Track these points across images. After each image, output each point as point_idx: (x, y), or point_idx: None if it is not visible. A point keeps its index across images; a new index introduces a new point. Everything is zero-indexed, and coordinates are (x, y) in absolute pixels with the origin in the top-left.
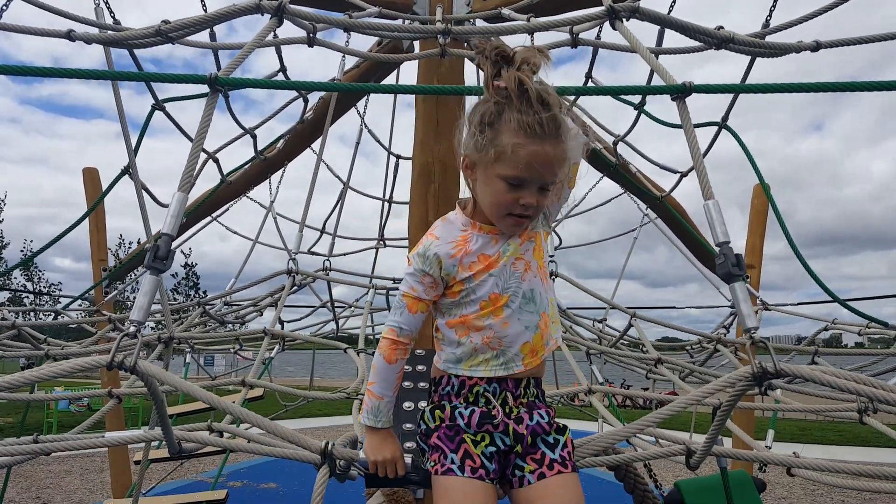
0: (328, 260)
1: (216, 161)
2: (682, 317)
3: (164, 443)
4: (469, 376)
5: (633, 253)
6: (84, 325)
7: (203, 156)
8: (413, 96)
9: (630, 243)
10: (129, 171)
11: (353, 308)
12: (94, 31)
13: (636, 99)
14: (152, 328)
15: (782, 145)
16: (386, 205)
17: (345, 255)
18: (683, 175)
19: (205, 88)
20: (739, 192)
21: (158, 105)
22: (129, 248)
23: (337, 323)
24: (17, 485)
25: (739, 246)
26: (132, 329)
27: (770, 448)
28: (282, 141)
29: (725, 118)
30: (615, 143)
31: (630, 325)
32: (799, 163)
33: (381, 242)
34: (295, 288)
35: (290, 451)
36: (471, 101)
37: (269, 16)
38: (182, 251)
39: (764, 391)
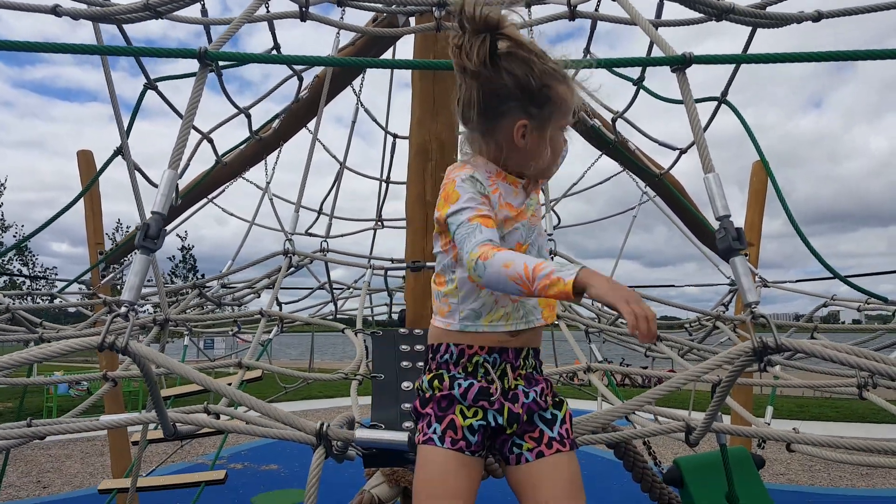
0: (325, 241)
1: (210, 141)
2: (680, 295)
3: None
4: (469, 345)
5: (632, 233)
6: (81, 309)
7: (196, 136)
8: (409, 75)
9: (629, 222)
10: (121, 151)
11: (351, 289)
12: (82, 6)
13: (635, 74)
14: (149, 312)
15: (782, 121)
16: (383, 185)
17: (342, 236)
18: (682, 152)
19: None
20: (738, 170)
21: (150, 84)
22: (127, 231)
23: (335, 304)
24: (17, 469)
25: (738, 223)
26: (124, 310)
27: (769, 424)
28: (277, 121)
29: (725, 92)
30: (614, 120)
31: None
32: (798, 139)
33: (379, 223)
34: (292, 269)
35: (285, 433)
36: None
37: None
38: (178, 234)
39: (763, 367)
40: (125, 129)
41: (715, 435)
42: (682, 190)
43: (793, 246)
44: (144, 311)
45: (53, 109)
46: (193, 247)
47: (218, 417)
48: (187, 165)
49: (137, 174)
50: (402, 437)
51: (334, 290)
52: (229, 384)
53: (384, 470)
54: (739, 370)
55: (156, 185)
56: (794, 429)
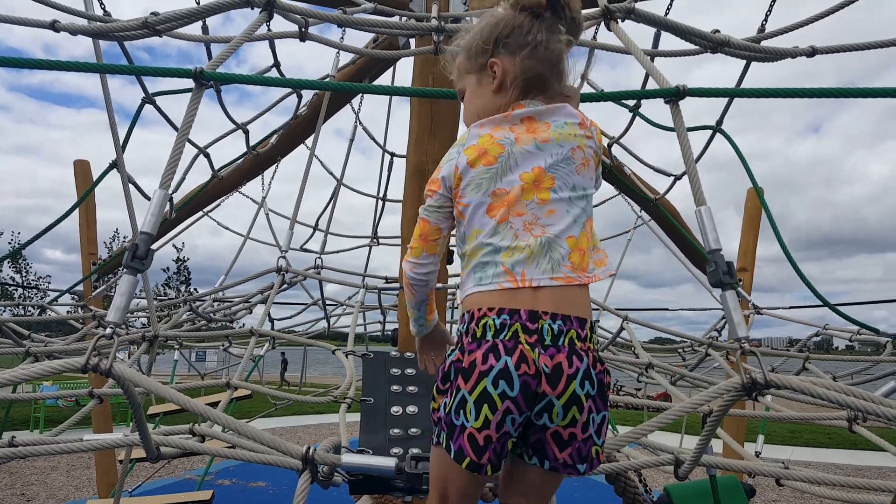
0: (320, 257)
1: (207, 156)
2: (675, 318)
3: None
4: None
5: (629, 253)
6: (71, 321)
7: (193, 151)
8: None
9: (625, 244)
10: (116, 165)
11: (344, 306)
12: (81, 21)
13: (631, 101)
14: (142, 325)
15: (781, 147)
16: (380, 203)
17: (337, 252)
18: (677, 178)
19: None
20: (736, 194)
21: (148, 98)
22: (124, 241)
23: (328, 321)
24: (0, 481)
25: (733, 248)
26: (108, 331)
27: (760, 452)
28: (275, 136)
29: (720, 122)
30: (610, 145)
31: (622, 328)
32: (796, 164)
33: (375, 240)
34: (285, 286)
35: (270, 458)
36: None
37: (259, 9)
38: (174, 245)
39: (755, 398)
40: (121, 143)
41: (705, 469)
42: (677, 215)
43: (788, 270)
44: (136, 323)
45: (50, 115)
46: (188, 259)
47: (203, 440)
48: (183, 179)
49: (132, 188)
50: (389, 462)
51: (327, 307)
52: (217, 402)
53: (371, 496)
54: (729, 405)
55: (146, 196)
56: (783, 463)
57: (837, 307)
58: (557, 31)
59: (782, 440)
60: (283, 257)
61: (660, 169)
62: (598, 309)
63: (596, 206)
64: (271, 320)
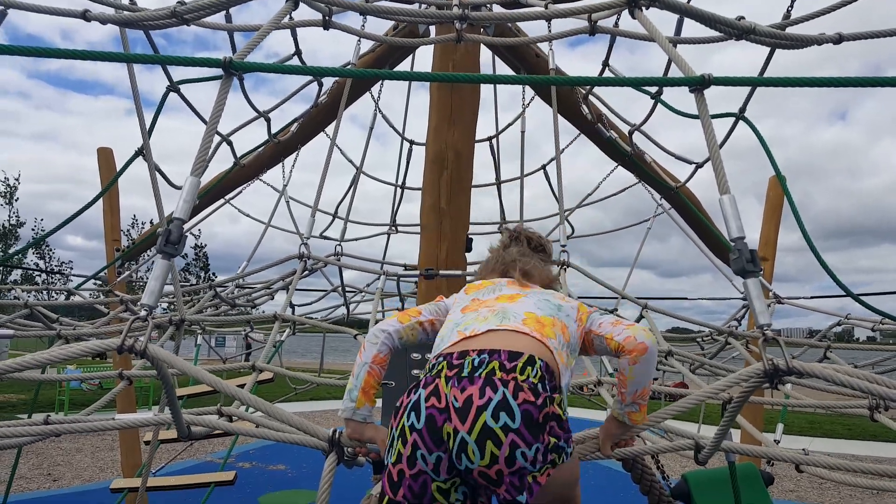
0: (340, 245)
1: (230, 144)
2: (694, 307)
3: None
4: None
5: (647, 242)
6: (96, 306)
7: (217, 138)
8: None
9: (643, 233)
10: (142, 152)
11: (363, 293)
12: (110, 11)
13: (653, 87)
14: (164, 310)
15: (803, 134)
16: (398, 190)
17: (356, 240)
18: (699, 166)
19: (219, 71)
20: (757, 182)
21: (173, 87)
22: (143, 228)
23: (347, 308)
24: (28, 461)
25: (754, 238)
26: (143, 313)
27: (779, 442)
28: (295, 125)
29: (743, 109)
30: (631, 133)
31: (641, 317)
32: (819, 151)
33: (393, 228)
34: (306, 273)
35: (298, 437)
36: (486, 88)
37: None
38: (192, 233)
39: (775, 385)
40: (147, 129)
41: (724, 455)
42: (698, 203)
43: (810, 259)
44: (160, 309)
45: (68, 102)
46: (206, 245)
47: (231, 420)
48: (206, 167)
49: (157, 175)
50: None
51: (347, 294)
52: (242, 385)
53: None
54: (750, 392)
55: (175, 186)
56: (803, 449)
57: (860, 296)
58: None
59: (800, 431)
60: (305, 244)
61: (681, 157)
62: (616, 297)
63: (615, 194)
64: (292, 307)
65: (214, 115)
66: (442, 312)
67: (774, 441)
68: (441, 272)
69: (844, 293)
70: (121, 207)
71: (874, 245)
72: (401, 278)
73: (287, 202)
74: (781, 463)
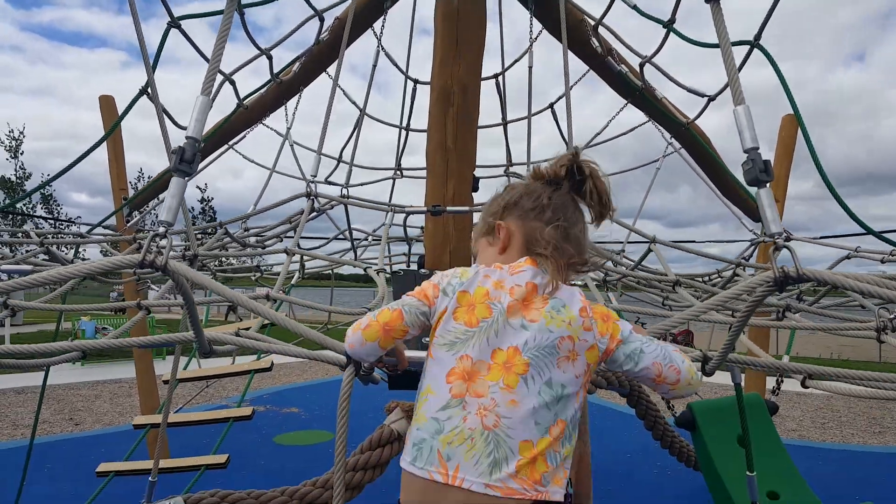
0: (346, 188)
1: (232, 83)
2: (699, 259)
3: (189, 365)
4: None
5: (655, 192)
6: (108, 248)
7: (219, 78)
8: (431, 20)
9: (652, 177)
10: (147, 91)
11: (370, 238)
12: None
13: (665, 15)
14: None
15: (820, 76)
16: (403, 133)
17: (362, 185)
18: (711, 99)
19: (220, 4)
20: (765, 129)
21: (174, 22)
22: (149, 180)
23: (355, 252)
24: (49, 407)
25: None
26: (162, 230)
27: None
28: (298, 63)
29: (758, 36)
30: (641, 66)
31: (649, 251)
32: (835, 95)
33: (399, 172)
34: (314, 214)
35: (317, 353)
36: (492, 30)
37: None
38: (198, 186)
39: (782, 314)
40: (151, 65)
41: (730, 375)
42: (709, 141)
43: (821, 208)
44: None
45: (63, 55)
46: (213, 199)
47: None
48: (213, 90)
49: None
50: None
51: (354, 240)
52: (247, 329)
53: (403, 405)
54: (759, 300)
55: (181, 126)
56: (806, 375)
57: (881, 233)
58: (575, 204)
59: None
60: (312, 183)
61: (693, 89)
62: (622, 242)
63: (622, 134)
64: (301, 250)
65: (218, 44)
66: (425, 322)
67: (778, 377)
68: (448, 208)
69: (856, 233)
70: (126, 164)
71: (887, 193)
72: (407, 220)
73: (291, 146)
74: (784, 403)
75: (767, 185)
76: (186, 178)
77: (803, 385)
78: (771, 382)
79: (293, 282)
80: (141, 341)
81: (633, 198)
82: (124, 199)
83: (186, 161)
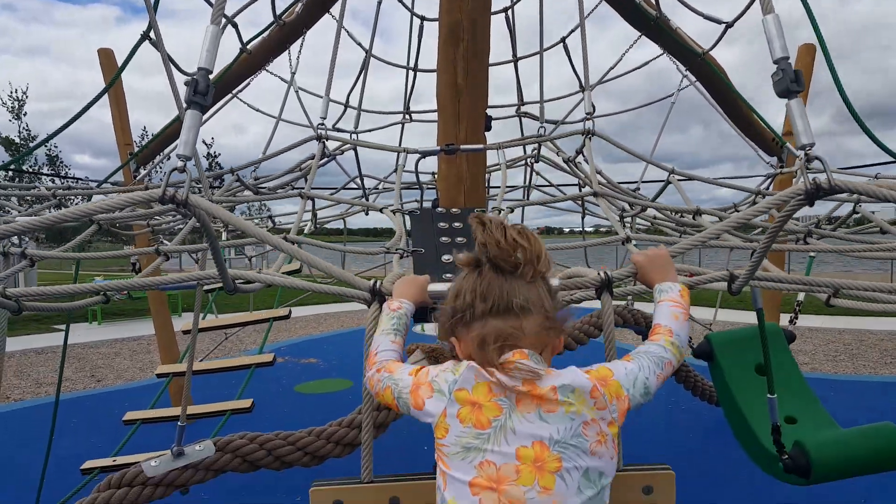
0: (354, 135)
1: (235, 26)
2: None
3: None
4: None
5: (665, 133)
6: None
7: (222, 20)
8: None
9: (663, 119)
10: (149, 36)
11: (381, 183)
12: None
13: None
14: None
15: (838, 7)
16: (411, 74)
17: (370, 130)
18: (729, 25)
19: None
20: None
21: None
22: (152, 138)
23: (367, 198)
24: (70, 366)
25: (777, 123)
26: (181, 164)
27: (801, 302)
28: (300, 4)
29: None
30: None
31: (668, 182)
32: (850, 27)
33: (407, 116)
34: (325, 160)
35: (341, 289)
36: None
37: None
38: (204, 141)
39: (804, 240)
40: (152, 5)
41: (752, 300)
42: (724, 73)
43: (834, 143)
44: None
45: (56, 12)
46: (220, 154)
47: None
48: (223, 16)
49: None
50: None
51: (365, 186)
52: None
53: (423, 347)
54: (791, 212)
55: (186, 73)
56: (834, 290)
57: None
58: (504, 271)
59: (815, 310)
60: (322, 124)
61: (710, 16)
62: (636, 182)
63: (636, 68)
64: (312, 200)
65: None
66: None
67: (790, 319)
68: (462, 146)
69: (889, 154)
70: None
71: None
72: (423, 155)
73: (296, 92)
74: (796, 340)
75: (798, 95)
76: (201, 111)
77: (827, 304)
78: (784, 320)
79: (306, 232)
80: (164, 280)
81: (645, 140)
82: (130, 154)
83: (200, 93)
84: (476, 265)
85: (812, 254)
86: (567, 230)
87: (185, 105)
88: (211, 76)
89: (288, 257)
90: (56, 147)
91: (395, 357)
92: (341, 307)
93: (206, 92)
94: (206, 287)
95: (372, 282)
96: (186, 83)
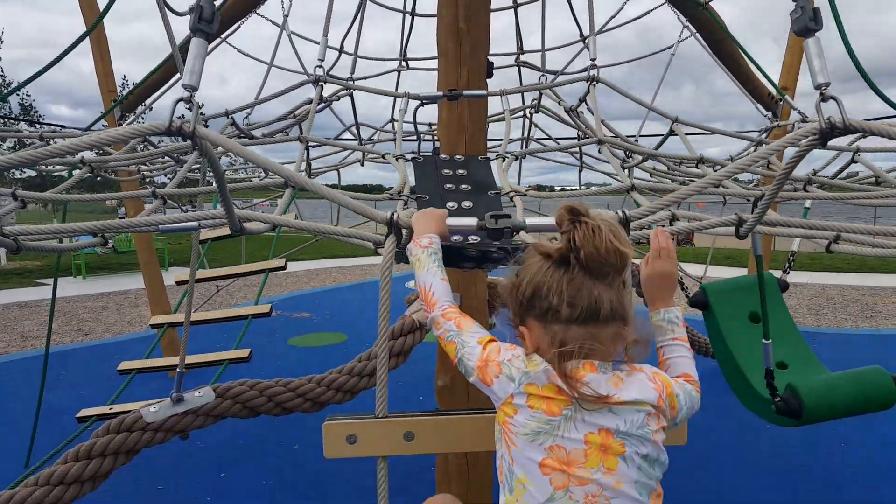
0: (351, 80)
1: None
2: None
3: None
4: None
5: (660, 92)
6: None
7: None
8: None
9: (659, 78)
10: None
11: (378, 132)
12: None
13: None
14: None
15: None
16: (408, 19)
17: (364, 78)
18: None
19: None
20: (772, 25)
21: None
22: (134, 87)
23: (360, 139)
24: (56, 319)
25: (775, 72)
26: (187, 94)
27: (795, 252)
28: None
29: None
30: None
31: (671, 132)
32: None
33: (404, 63)
34: (322, 105)
35: (351, 231)
36: None
37: None
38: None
39: (804, 187)
40: None
41: (752, 247)
42: (725, 25)
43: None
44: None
45: None
46: (203, 105)
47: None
48: None
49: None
50: (470, 221)
51: (361, 135)
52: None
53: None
54: (804, 153)
55: (176, 13)
56: (837, 234)
57: None
58: (593, 277)
59: (801, 266)
60: (321, 66)
61: None
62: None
63: (634, 19)
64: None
65: None
66: (474, 339)
67: (784, 269)
68: (465, 92)
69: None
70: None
71: (891, 87)
72: (424, 101)
73: (290, 36)
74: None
75: (816, 34)
76: (207, 39)
77: (828, 250)
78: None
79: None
80: (163, 219)
81: (638, 97)
82: (114, 100)
83: (205, 20)
84: (562, 262)
85: (808, 204)
86: (559, 188)
87: (190, 32)
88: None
89: (283, 209)
90: (30, 96)
91: (452, 300)
92: (333, 263)
93: (212, 19)
94: (200, 238)
95: (389, 213)
96: (191, 9)
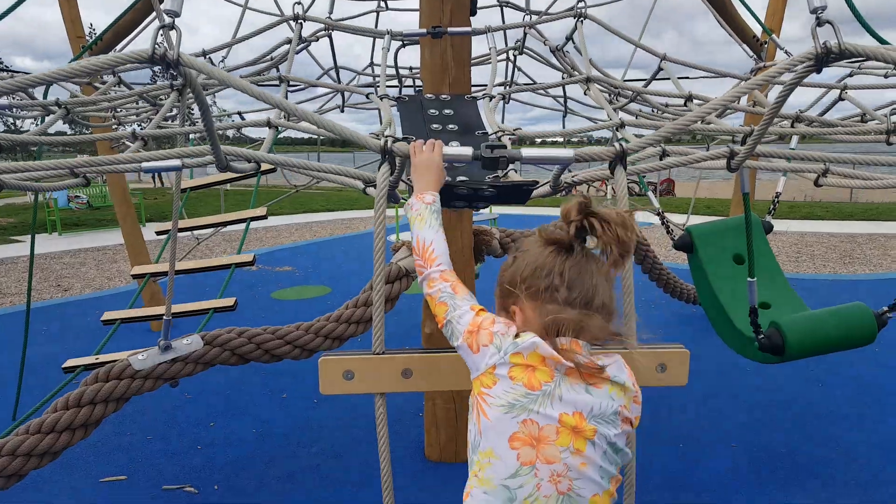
0: (329, 17)
1: None
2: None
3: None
4: None
5: (641, 40)
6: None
7: None
8: None
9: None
10: None
11: (358, 77)
12: None
13: None
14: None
15: None
16: None
17: (344, 20)
18: None
19: None
20: None
21: None
22: (101, 36)
23: (342, 94)
24: (36, 276)
25: (760, 15)
26: (169, 21)
27: (780, 193)
28: None
29: None
30: None
31: (659, 69)
32: None
33: (383, 4)
34: (301, 46)
35: (342, 169)
36: None
37: None
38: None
39: (792, 124)
40: None
41: (739, 184)
42: None
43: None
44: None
45: None
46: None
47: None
48: None
49: None
50: (466, 151)
51: (341, 80)
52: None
53: (409, 244)
54: (800, 78)
55: None
56: (827, 165)
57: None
58: (595, 262)
59: (780, 215)
60: (299, 2)
61: None
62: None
63: None
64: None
65: None
66: (465, 308)
67: (769, 210)
68: (449, 29)
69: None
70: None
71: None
72: (406, 39)
73: None
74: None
75: None
76: None
77: (816, 184)
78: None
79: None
80: (144, 156)
81: (619, 48)
82: (82, 47)
83: None
84: (568, 248)
85: (793, 144)
86: (539, 141)
87: None
88: None
89: (268, 148)
90: None
91: (451, 265)
92: (314, 217)
93: None
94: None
95: (383, 141)
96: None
